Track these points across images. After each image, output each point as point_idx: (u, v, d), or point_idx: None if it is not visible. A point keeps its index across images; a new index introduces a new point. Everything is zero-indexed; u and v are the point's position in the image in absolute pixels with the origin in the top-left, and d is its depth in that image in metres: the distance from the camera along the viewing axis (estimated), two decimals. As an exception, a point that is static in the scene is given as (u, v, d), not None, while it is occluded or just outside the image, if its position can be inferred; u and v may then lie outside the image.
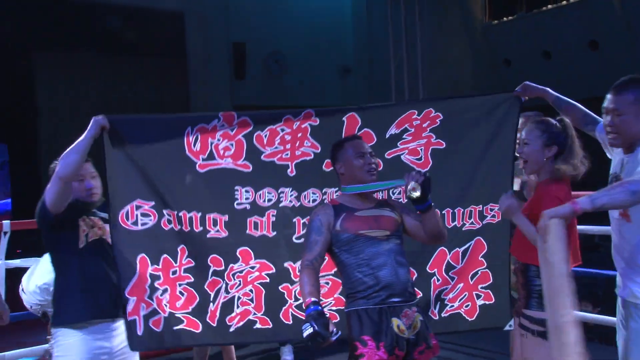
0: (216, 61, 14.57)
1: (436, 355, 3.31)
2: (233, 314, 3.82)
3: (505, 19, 15.79)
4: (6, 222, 5.09)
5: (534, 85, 3.83)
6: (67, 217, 3.34)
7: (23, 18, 11.52)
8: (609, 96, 3.19)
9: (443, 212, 3.88)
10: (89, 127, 3.38)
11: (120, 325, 3.56)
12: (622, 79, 3.24)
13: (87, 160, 3.51)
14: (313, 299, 3.08)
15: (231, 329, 3.83)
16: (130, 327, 3.63)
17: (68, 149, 3.30)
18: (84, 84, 14.14)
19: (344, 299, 3.53)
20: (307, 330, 2.98)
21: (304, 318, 3.08)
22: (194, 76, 14.49)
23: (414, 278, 3.79)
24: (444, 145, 3.93)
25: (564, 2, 14.33)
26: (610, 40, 13.61)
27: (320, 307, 3.07)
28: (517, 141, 3.87)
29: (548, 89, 3.80)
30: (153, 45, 14.16)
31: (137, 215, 3.64)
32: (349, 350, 3.19)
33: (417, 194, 3.15)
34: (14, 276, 4.70)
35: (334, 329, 3.01)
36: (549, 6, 14.63)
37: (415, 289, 3.73)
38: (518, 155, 3.75)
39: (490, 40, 16.10)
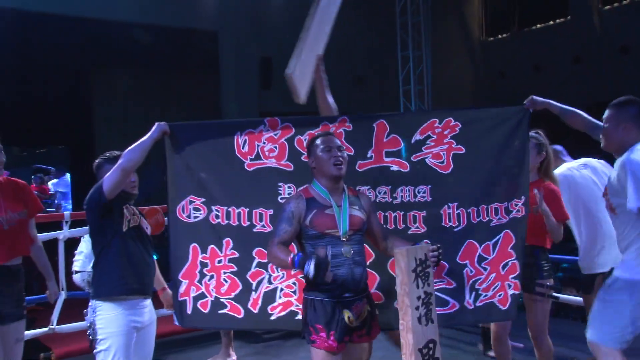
0: (245, 73, 14.53)
1: (372, 339, 3.34)
2: (275, 304, 3.73)
3: (500, 36, 15.80)
4: (67, 213, 5.39)
5: (541, 99, 3.82)
6: (115, 204, 3.37)
7: (83, 42, 11.65)
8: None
9: (469, 210, 3.78)
10: (152, 131, 3.45)
11: (149, 303, 3.58)
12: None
13: None
14: (291, 254, 3.05)
15: (272, 317, 3.73)
16: (181, 306, 3.67)
17: (133, 146, 3.36)
18: (132, 96, 14.42)
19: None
20: (310, 265, 2.92)
21: (302, 270, 2.99)
22: (225, 87, 14.48)
23: (445, 271, 3.74)
24: (464, 151, 3.81)
25: (551, 22, 14.37)
26: (591, 55, 13.65)
27: (301, 254, 3.08)
28: None
29: (552, 101, 3.81)
30: (191, 61, 14.31)
31: (190, 209, 3.66)
32: (303, 332, 3.25)
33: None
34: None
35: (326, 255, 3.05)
36: (538, 25, 14.63)
37: (448, 278, 3.74)
38: None
39: (487, 54, 16.18)
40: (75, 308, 3.95)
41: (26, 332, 4.98)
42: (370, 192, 3.73)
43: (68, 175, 13.65)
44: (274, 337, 6.18)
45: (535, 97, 3.83)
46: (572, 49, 13.99)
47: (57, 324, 5.17)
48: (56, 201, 12.02)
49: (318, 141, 3.32)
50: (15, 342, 3.26)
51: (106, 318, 3.31)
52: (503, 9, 15.60)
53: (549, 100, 3.82)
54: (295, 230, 3.20)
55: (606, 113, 3.49)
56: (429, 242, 3.11)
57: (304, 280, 3.20)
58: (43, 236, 5.06)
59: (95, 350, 3.31)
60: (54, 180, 12.88)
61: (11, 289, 3.23)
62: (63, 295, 5.19)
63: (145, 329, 3.51)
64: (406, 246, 3.05)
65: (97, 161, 3.59)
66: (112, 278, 3.37)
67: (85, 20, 11.10)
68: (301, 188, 3.37)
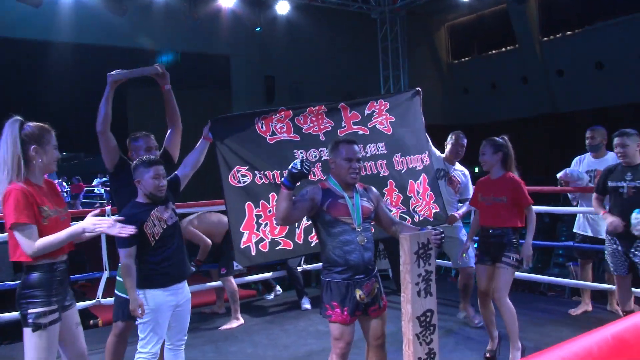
0: (253, 89, 14.76)
1: (384, 311, 3.26)
2: (312, 234, 4.00)
3: (463, 59, 15.94)
4: (108, 208, 5.27)
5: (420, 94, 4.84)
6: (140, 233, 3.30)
7: (122, 65, 11.60)
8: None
9: (406, 158, 4.62)
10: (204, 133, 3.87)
11: (183, 284, 3.47)
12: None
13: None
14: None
15: (312, 244, 4.08)
16: (245, 251, 3.94)
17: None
18: (161, 109, 14.30)
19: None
20: (297, 162, 3.02)
21: (291, 171, 3.02)
22: (236, 101, 14.59)
23: (401, 200, 4.51)
24: (394, 119, 4.62)
25: (504, 49, 14.59)
26: (535, 76, 13.95)
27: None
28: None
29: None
30: (208, 80, 14.56)
31: (239, 176, 3.96)
32: (320, 309, 3.20)
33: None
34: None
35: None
36: (494, 51, 14.82)
37: (402, 205, 4.51)
38: (480, 161, 4.31)
39: (453, 74, 16.31)
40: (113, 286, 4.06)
41: (78, 304, 5.06)
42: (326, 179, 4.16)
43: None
44: (279, 311, 6.21)
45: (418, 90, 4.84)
46: (520, 71, 14.25)
47: (102, 298, 5.24)
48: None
49: (341, 148, 3.22)
50: (76, 326, 3.06)
51: (148, 299, 3.32)
52: (465, 37, 15.78)
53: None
54: (304, 205, 3.15)
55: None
56: (434, 228, 3.07)
57: (288, 181, 3.06)
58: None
59: (136, 322, 3.37)
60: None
61: (68, 279, 3.05)
62: (106, 274, 5.20)
63: (181, 306, 3.47)
64: (411, 232, 2.97)
65: (134, 163, 3.41)
66: (152, 275, 3.34)
67: (124, 49, 11.28)
68: (319, 181, 3.44)
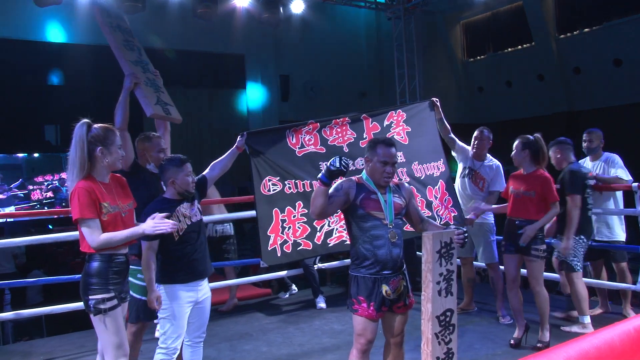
0: (268, 89, 14.75)
1: (409, 309, 3.28)
2: (332, 237, 4.53)
3: (478, 57, 15.74)
4: None
5: (439, 105, 5.05)
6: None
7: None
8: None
9: (424, 166, 4.93)
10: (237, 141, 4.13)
11: (204, 282, 3.53)
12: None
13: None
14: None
15: (329, 245, 4.53)
16: (271, 253, 4.38)
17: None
18: (178, 107, 14.34)
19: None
20: (335, 159, 3.01)
21: (330, 165, 3.03)
22: (251, 100, 14.71)
23: (424, 204, 4.83)
24: (410, 129, 4.95)
25: (519, 47, 14.41)
26: (552, 74, 13.78)
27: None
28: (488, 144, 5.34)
29: (441, 110, 5.05)
30: (222, 79, 14.59)
31: (269, 186, 4.39)
32: (347, 303, 3.25)
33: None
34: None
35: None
36: (509, 49, 14.65)
37: (427, 209, 4.79)
38: (512, 157, 4.67)
39: (468, 73, 16.13)
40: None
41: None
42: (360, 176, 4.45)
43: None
44: (294, 309, 6.22)
45: (437, 103, 5.05)
46: (536, 69, 14.08)
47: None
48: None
49: (379, 149, 3.22)
50: (122, 319, 3.14)
51: (168, 294, 3.39)
52: (480, 35, 15.63)
53: (440, 111, 5.06)
54: (339, 199, 3.17)
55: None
56: (457, 227, 3.07)
57: (325, 178, 3.07)
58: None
59: (158, 317, 3.45)
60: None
61: (126, 272, 3.18)
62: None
63: (201, 303, 3.53)
64: (435, 230, 2.98)
65: (161, 164, 3.51)
66: (173, 271, 3.41)
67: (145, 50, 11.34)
68: (354, 177, 3.36)
